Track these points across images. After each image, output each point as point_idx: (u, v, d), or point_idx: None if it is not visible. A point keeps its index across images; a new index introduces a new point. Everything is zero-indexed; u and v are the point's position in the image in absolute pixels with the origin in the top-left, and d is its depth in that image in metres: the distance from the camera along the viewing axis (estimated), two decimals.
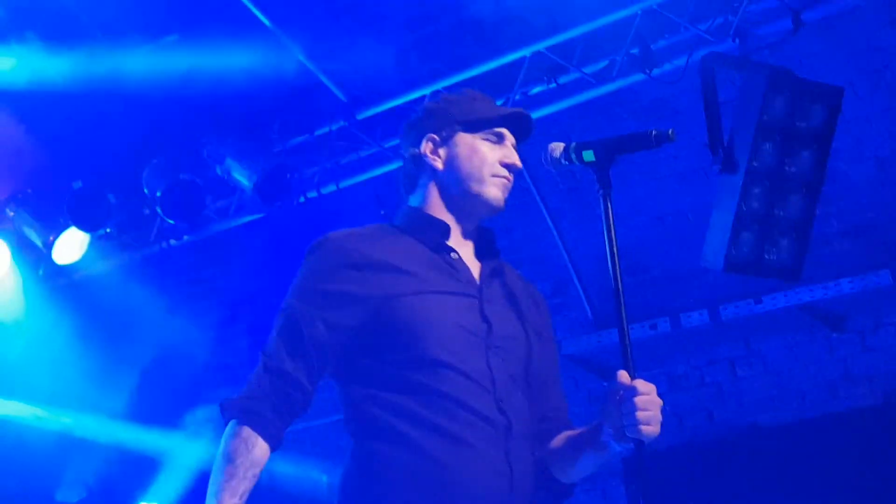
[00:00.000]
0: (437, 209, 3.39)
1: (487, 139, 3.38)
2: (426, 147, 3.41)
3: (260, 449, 3.16)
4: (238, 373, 9.74)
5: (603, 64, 6.88)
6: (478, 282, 3.31)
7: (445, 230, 3.35)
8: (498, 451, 3.11)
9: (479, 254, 3.40)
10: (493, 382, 3.16)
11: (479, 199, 3.35)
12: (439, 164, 3.39)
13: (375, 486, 3.11)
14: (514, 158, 3.38)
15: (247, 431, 3.16)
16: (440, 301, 3.20)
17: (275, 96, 7.49)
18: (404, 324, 3.15)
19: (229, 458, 3.13)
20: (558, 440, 3.30)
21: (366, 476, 3.14)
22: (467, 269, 3.32)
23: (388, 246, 3.29)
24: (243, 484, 3.11)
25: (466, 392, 3.12)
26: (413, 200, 3.46)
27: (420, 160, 3.42)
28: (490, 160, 3.35)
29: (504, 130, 3.40)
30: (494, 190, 3.35)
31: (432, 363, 3.12)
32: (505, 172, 3.36)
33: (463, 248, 3.37)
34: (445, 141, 3.39)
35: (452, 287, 3.25)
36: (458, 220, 3.38)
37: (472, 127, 3.39)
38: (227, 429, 3.18)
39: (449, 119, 3.41)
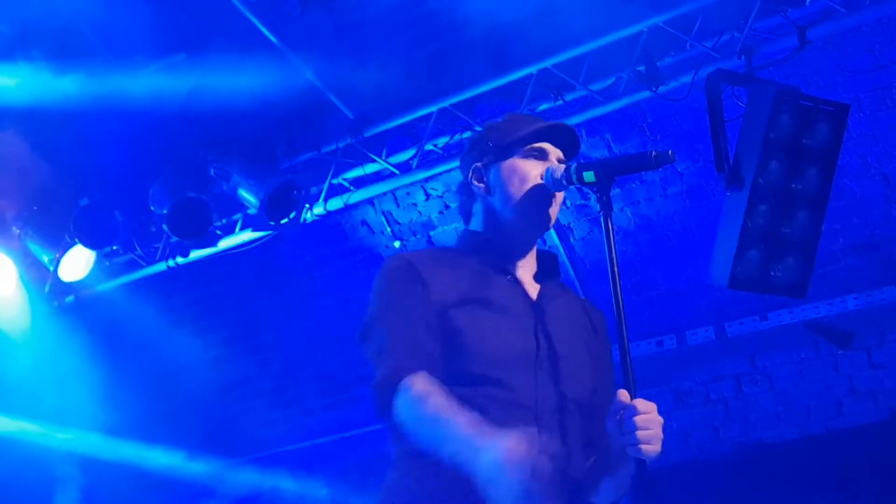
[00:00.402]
0: (492, 232, 3.43)
1: (529, 157, 3.40)
2: (472, 176, 3.47)
3: (439, 386, 3.09)
4: (242, 390, 9.75)
5: (609, 81, 6.89)
6: (534, 302, 3.33)
7: (500, 252, 3.40)
8: None
9: (539, 276, 3.43)
10: (536, 400, 3.17)
11: (525, 218, 3.38)
12: (485, 191, 3.44)
13: (402, 496, 3.13)
14: (559, 173, 3.37)
15: (417, 378, 3.10)
16: (490, 318, 3.23)
17: (282, 114, 7.49)
18: (452, 337, 3.18)
19: (424, 400, 3.04)
20: (589, 463, 3.28)
21: (396, 484, 3.18)
22: (523, 289, 3.35)
23: (446, 265, 3.34)
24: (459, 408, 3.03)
25: (501, 405, 3.12)
26: (472, 226, 3.52)
27: (469, 189, 3.49)
28: (531, 177, 3.37)
29: (545, 145, 3.42)
30: None
31: (474, 377, 3.15)
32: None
33: (520, 269, 3.41)
34: (487, 167, 3.44)
35: (505, 306, 3.27)
36: (513, 241, 3.42)
37: (511, 148, 3.42)
38: (401, 397, 3.09)
39: (491, 146, 3.46)
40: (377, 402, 3.16)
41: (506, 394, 3.14)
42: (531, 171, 3.37)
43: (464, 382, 3.14)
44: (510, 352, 3.19)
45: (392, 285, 3.31)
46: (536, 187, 3.36)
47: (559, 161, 3.43)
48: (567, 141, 3.46)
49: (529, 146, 3.40)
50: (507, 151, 3.42)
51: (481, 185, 3.44)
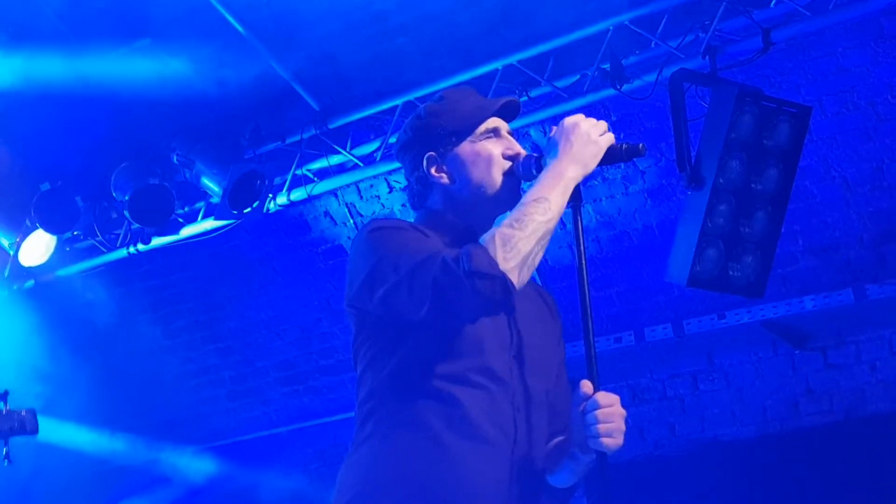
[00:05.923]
0: (455, 216, 3.34)
1: (486, 138, 3.34)
2: (429, 166, 3.36)
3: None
4: (201, 379, 9.72)
5: (574, 78, 6.91)
6: None
7: (468, 236, 3.23)
8: (503, 463, 3.11)
9: None
10: (513, 392, 3.15)
11: (497, 199, 3.29)
12: (446, 180, 3.34)
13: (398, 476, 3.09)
14: (517, 147, 3.35)
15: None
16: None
17: (246, 103, 7.48)
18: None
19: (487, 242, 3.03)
20: (550, 446, 3.27)
21: (385, 461, 3.13)
22: None
23: (431, 235, 3.24)
24: None
25: (485, 394, 3.11)
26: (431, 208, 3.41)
27: (426, 180, 3.37)
28: (495, 158, 3.30)
29: (497, 122, 3.36)
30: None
31: (461, 363, 3.12)
32: (511, 164, 3.31)
33: None
34: (444, 155, 3.34)
35: None
36: (479, 226, 3.26)
37: (466, 132, 3.34)
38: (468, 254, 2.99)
39: (441, 132, 3.36)
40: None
41: (488, 382, 3.11)
42: (494, 152, 3.30)
43: (449, 368, 3.11)
44: (492, 338, 3.16)
45: (399, 231, 3.19)
46: (506, 176, 3.29)
47: (509, 133, 3.38)
48: (512, 112, 3.42)
49: (483, 126, 3.35)
50: (462, 135, 3.32)
51: (441, 174, 3.34)
